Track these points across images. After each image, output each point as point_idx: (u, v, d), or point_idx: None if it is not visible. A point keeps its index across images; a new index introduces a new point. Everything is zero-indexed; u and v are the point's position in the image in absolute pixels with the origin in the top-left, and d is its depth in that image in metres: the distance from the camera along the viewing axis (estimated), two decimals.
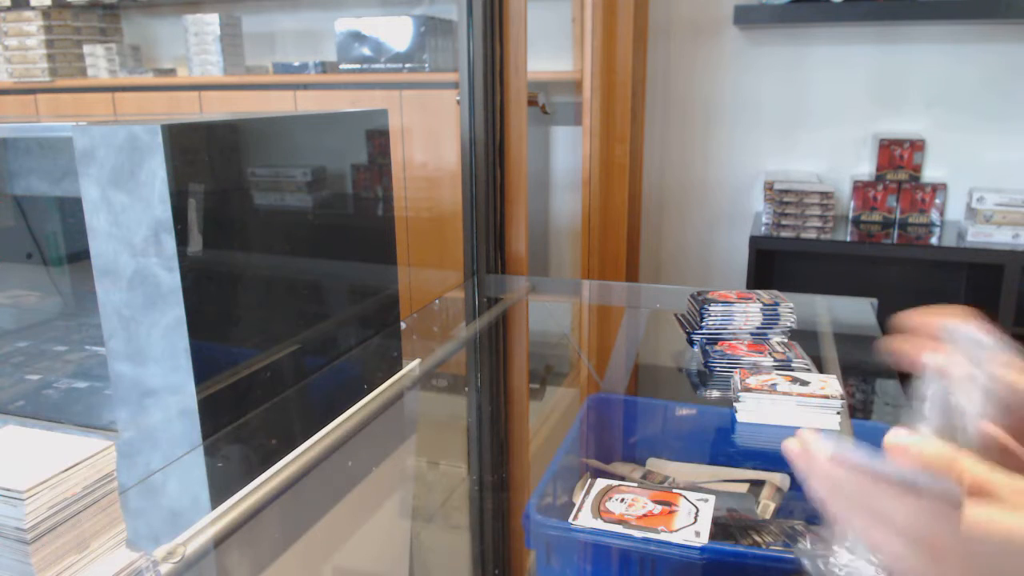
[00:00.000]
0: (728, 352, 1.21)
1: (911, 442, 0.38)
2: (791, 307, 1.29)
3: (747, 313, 1.28)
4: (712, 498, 0.80)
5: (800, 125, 2.68)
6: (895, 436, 0.39)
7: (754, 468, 0.96)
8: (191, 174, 0.93)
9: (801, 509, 0.90)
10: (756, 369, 1.12)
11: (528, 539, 0.81)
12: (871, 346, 1.32)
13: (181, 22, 3.05)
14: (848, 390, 1.05)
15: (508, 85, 1.75)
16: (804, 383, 1.05)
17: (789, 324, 1.28)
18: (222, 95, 2.85)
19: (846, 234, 2.47)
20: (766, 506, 0.89)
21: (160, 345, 0.93)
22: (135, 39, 3.46)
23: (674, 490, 0.82)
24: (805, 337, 1.27)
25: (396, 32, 2.67)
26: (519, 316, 1.71)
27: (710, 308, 1.28)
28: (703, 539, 0.73)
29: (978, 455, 0.38)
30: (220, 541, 0.80)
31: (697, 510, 0.78)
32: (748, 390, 1.03)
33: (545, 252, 2.97)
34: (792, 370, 1.13)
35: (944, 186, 2.51)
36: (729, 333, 1.28)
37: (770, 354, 1.19)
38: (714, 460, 1.01)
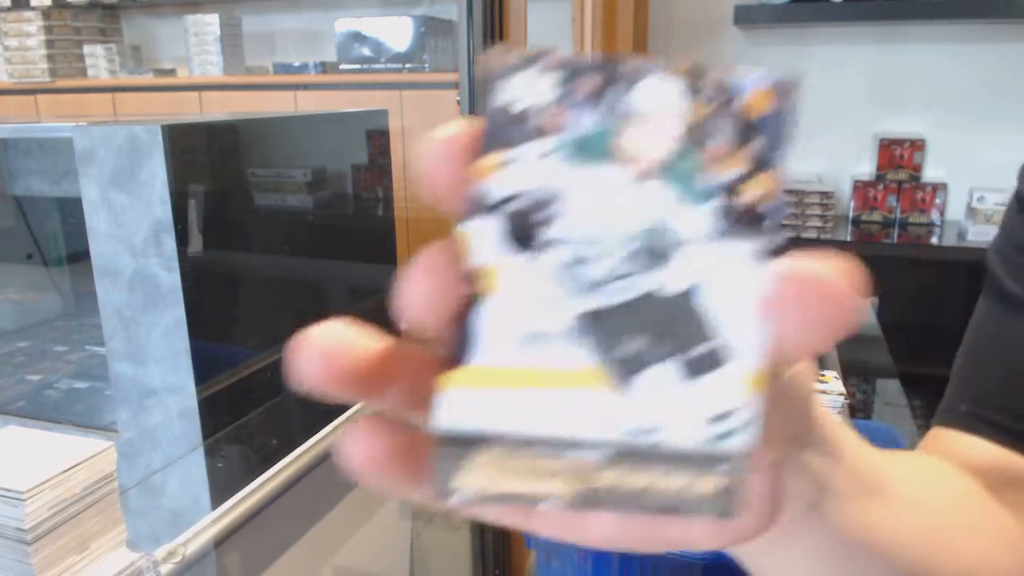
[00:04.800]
0: None
1: None
2: None
3: None
4: None
5: (800, 124, 2.67)
6: None
7: None
8: (191, 174, 0.93)
9: None
10: None
11: (528, 539, 0.81)
12: (871, 346, 1.32)
13: (181, 22, 3.05)
14: (849, 390, 1.05)
15: None
16: None
17: None
18: (222, 95, 2.85)
19: (846, 234, 2.47)
20: None
21: (160, 345, 0.94)
22: (135, 39, 3.46)
23: None
24: None
25: (396, 32, 2.67)
26: None
27: None
28: None
29: None
30: (220, 541, 0.80)
31: None
32: None
33: None
34: None
35: (944, 186, 2.51)
36: None
37: None
38: None
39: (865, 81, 2.57)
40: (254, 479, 0.89)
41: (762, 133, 0.18)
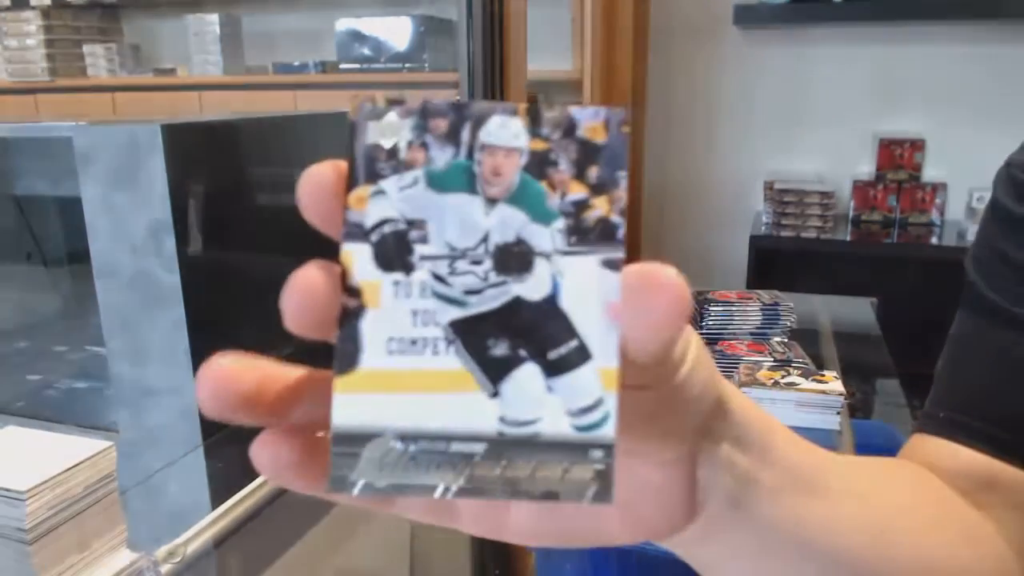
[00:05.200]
0: (728, 352, 1.21)
1: None
2: (791, 307, 1.29)
3: (747, 313, 1.28)
4: None
5: (800, 125, 2.67)
6: None
7: None
8: (191, 174, 0.93)
9: None
10: (757, 368, 1.12)
11: None
12: (871, 346, 1.32)
13: (181, 22, 3.05)
14: (848, 389, 1.05)
15: (508, 85, 1.75)
16: (804, 382, 1.05)
17: (789, 324, 1.28)
18: (222, 95, 2.85)
19: (846, 234, 2.47)
20: None
21: (160, 345, 0.93)
22: (135, 39, 3.45)
23: None
24: (805, 337, 1.27)
25: (396, 32, 2.67)
26: None
27: (710, 308, 1.27)
28: None
29: None
30: (221, 541, 0.80)
31: None
32: (754, 383, 1.03)
33: None
34: (792, 370, 1.13)
35: (944, 186, 2.51)
36: (729, 333, 1.27)
37: (770, 354, 1.18)
38: None
39: (865, 81, 2.57)
40: (254, 479, 0.89)
41: (598, 160, 0.20)
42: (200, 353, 0.93)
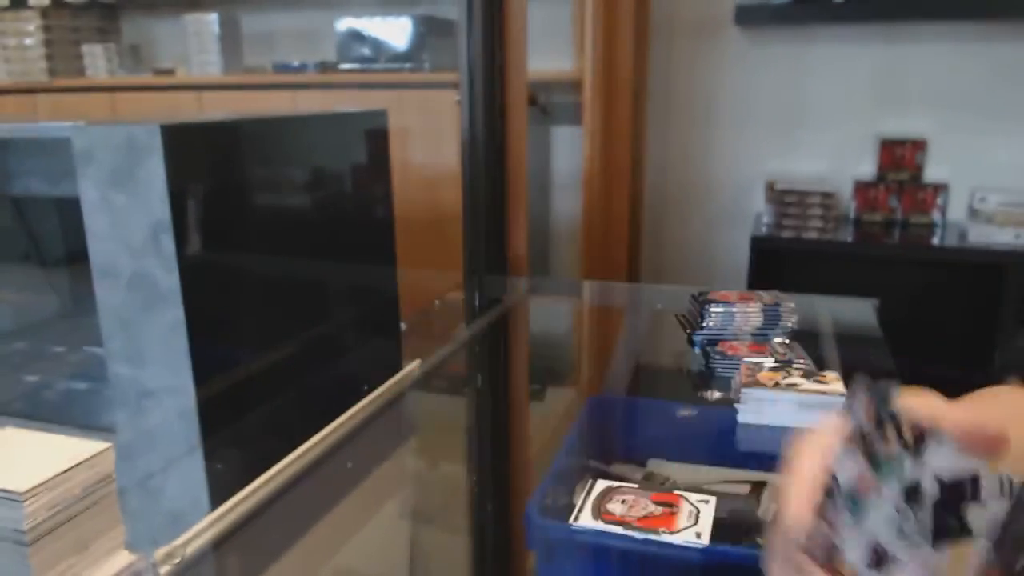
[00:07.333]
0: (729, 353, 1.20)
1: None
2: (792, 308, 1.28)
3: (748, 314, 1.27)
4: (713, 499, 0.80)
5: (801, 125, 2.67)
6: None
7: (756, 469, 0.96)
8: (190, 175, 0.92)
9: None
10: (757, 369, 1.11)
11: (529, 540, 0.81)
12: (872, 347, 1.32)
13: (180, 21, 3.05)
14: (849, 392, 1.05)
15: (508, 85, 1.74)
16: (806, 383, 1.04)
17: (790, 325, 1.28)
18: (221, 95, 2.85)
19: (847, 234, 2.46)
20: (768, 507, 0.88)
21: (159, 346, 0.93)
22: (134, 38, 3.45)
23: (675, 491, 0.81)
24: (806, 338, 1.27)
25: (396, 32, 2.66)
26: (519, 317, 1.71)
27: (711, 309, 1.27)
28: (704, 540, 0.73)
29: None
30: (220, 543, 0.79)
31: (698, 511, 0.77)
32: (755, 384, 1.02)
33: (545, 252, 2.96)
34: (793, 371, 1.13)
35: (946, 186, 2.50)
36: (730, 334, 1.27)
37: (771, 354, 1.18)
38: (716, 461, 1.01)
39: (866, 81, 2.57)
40: (253, 480, 0.88)
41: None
42: (199, 354, 0.93)
